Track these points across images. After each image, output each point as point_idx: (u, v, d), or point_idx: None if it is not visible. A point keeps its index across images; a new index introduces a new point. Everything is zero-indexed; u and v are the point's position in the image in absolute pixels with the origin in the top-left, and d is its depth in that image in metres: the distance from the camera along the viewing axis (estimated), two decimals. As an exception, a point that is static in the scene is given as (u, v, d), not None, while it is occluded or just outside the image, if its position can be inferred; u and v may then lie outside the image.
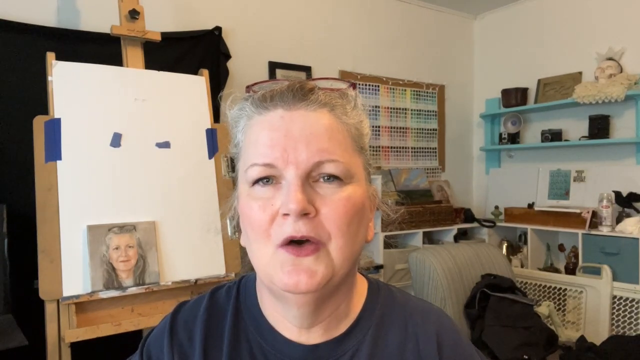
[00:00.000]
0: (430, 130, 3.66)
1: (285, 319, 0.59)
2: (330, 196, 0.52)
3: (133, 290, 1.70)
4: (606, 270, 2.64)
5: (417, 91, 3.57)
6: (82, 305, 1.63)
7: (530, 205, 3.26)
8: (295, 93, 0.55)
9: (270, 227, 0.52)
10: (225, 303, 0.65)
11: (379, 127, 3.35)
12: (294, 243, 0.51)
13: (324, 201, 0.52)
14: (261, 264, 0.54)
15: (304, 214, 0.50)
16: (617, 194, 2.79)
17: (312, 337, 0.59)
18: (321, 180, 0.53)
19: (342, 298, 0.60)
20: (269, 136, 0.53)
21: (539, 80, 3.37)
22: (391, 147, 3.42)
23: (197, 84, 2.03)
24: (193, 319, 0.64)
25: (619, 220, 2.74)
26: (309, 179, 0.53)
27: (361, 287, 0.64)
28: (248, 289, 0.65)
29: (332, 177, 0.53)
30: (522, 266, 3.21)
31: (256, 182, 0.54)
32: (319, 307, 0.57)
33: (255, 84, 0.59)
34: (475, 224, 3.44)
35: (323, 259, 0.52)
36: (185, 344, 0.62)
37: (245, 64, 2.72)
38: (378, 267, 2.85)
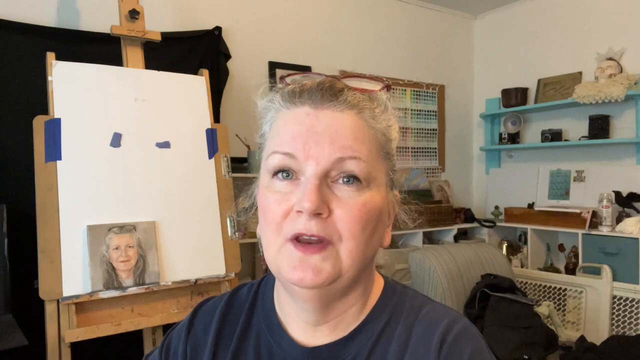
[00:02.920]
0: (430, 130, 3.66)
1: (295, 312, 0.60)
2: (347, 199, 0.52)
3: (133, 290, 1.70)
4: (606, 270, 2.64)
5: (417, 91, 3.57)
6: (82, 305, 1.64)
7: (530, 205, 3.26)
8: (324, 92, 0.55)
9: (284, 221, 0.53)
10: (244, 299, 0.67)
11: (379, 127, 3.34)
12: (303, 240, 0.52)
13: (340, 203, 0.52)
14: (270, 255, 0.55)
15: (316, 214, 0.51)
16: (617, 194, 2.79)
17: (318, 336, 0.60)
18: (340, 181, 0.53)
19: (353, 301, 0.59)
20: (292, 128, 0.54)
21: (539, 80, 3.37)
22: (391, 147, 3.41)
23: (197, 84, 2.03)
24: (212, 311, 0.67)
25: (619, 220, 2.74)
26: (328, 179, 0.53)
27: (376, 289, 0.64)
28: (268, 287, 0.67)
29: (351, 179, 0.53)
30: (522, 266, 3.21)
31: (276, 174, 0.54)
32: (326, 305, 0.57)
33: (289, 75, 0.59)
34: (475, 224, 3.44)
35: (330, 258, 0.52)
36: (199, 335, 0.65)
37: (245, 64, 2.72)
38: (378, 267, 2.85)
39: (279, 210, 0.53)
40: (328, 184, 0.53)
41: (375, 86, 0.58)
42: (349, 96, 0.55)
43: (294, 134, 0.53)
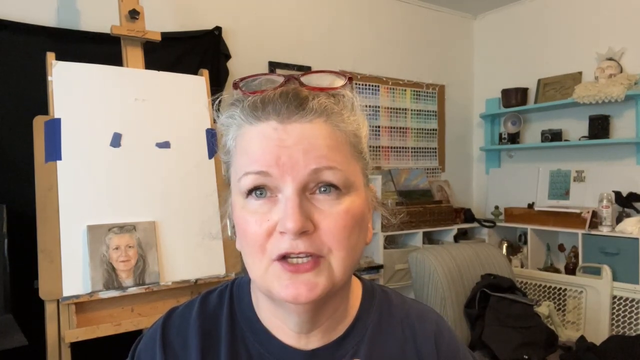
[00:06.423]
0: (430, 130, 3.66)
1: (285, 324, 0.58)
2: (329, 209, 0.50)
3: (133, 290, 1.69)
4: (606, 270, 2.64)
5: (417, 91, 3.57)
6: (82, 305, 1.63)
7: (530, 205, 3.26)
8: (289, 103, 0.51)
9: (267, 242, 0.50)
10: (218, 308, 0.63)
11: (379, 127, 3.35)
12: (292, 258, 0.50)
13: (323, 215, 0.50)
14: (257, 276, 0.53)
15: (302, 232, 0.49)
16: (617, 194, 2.79)
17: (311, 341, 0.59)
18: (318, 191, 0.51)
19: (340, 301, 0.59)
20: (261, 144, 0.51)
21: (539, 80, 3.37)
22: (391, 147, 3.42)
23: (197, 84, 2.03)
24: (186, 325, 0.61)
25: (619, 220, 2.74)
26: (306, 192, 0.50)
27: (356, 288, 0.64)
28: (242, 293, 0.63)
29: (329, 188, 0.51)
30: (522, 266, 3.21)
31: (250, 193, 0.51)
32: (317, 313, 0.56)
33: (242, 79, 0.55)
34: (475, 224, 3.44)
35: (323, 271, 0.50)
36: (179, 353, 0.60)
37: (245, 64, 2.72)
38: (378, 267, 2.85)
39: (260, 231, 0.50)
40: (307, 196, 0.50)
41: (338, 81, 0.55)
42: (315, 103, 0.52)
43: (265, 150, 0.50)
